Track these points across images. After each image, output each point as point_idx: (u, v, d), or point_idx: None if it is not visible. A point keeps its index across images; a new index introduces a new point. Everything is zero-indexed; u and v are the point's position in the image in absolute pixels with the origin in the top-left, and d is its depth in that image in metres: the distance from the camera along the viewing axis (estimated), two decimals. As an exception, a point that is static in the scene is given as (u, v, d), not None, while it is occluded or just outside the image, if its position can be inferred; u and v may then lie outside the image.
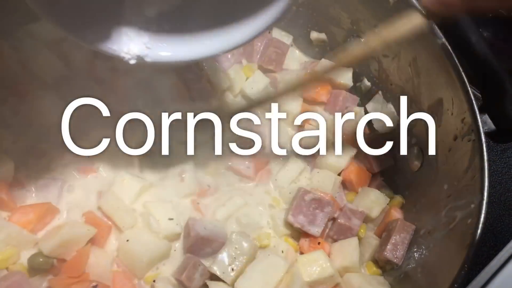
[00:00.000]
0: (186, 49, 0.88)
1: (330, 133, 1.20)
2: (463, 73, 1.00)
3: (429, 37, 1.04)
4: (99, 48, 0.83)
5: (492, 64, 1.08)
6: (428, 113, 1.08)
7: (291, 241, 1.07)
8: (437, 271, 0.94)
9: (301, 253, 1.07)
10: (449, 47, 1.02)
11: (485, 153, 0.93)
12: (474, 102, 0.98)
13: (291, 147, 1.18)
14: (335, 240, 1.09)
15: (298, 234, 1.08)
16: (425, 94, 1.10)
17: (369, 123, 1.24)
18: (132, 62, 0.85)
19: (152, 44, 0.86)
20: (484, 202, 0.89)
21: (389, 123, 1.21)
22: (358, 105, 1.26)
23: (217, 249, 0.99)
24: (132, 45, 0.85)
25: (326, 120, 1.20)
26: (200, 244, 0.98)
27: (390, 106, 1.23)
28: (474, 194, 0.92)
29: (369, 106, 1.26)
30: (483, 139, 0.94)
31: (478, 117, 0.97)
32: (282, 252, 1.03)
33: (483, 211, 0.88)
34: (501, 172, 1.49)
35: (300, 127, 1.21)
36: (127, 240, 0.97)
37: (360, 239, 1.09)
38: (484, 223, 0.87)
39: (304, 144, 1.19)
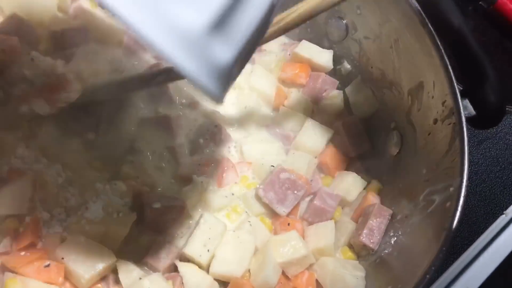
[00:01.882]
0: None
1: (307, 115, 1.18)
2: (445, 55, 0.98)
3: (413, 19, 1.02)
4: None
5: (474, 49, 1.07)
6: (408, 95, 1.07)
7: (266, 221, 1.04)
8: (414, 255, 0.92)
9: (275, 234, 1.04)
10: (432, 29, 1.00)
11: (465, 136, 0.91)
12: (455, 84, 0.96)
13: (268, 128, 1.16)
14: (310, 223, 1.06)
15: (272, 214, 1.06)
16: (406, 77, 1.08)
17: (348, 107, 1.22)
18: None
19: None
20: (464, 184, 0.87)
21: (367, 108, 1.20)
22: (338, 88, 1.23)
23: (178, 217, 0.95)
24: None
25: (303, 102, 1.18)
26: (159, 217, 0.94)
27: (369, 91, 1.20)
28: (453, 177, 0.90)
29: (348, 89, 1.23)
30: (464, 122, 0.92)
31: (459, 99, 0.95)
32: (250, 224, 1.01)
33: (463, 194, 0.86)
34: (478, 163, 1.50)
35: (276, 108, 1.19)
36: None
37: (335, 222, 1.06)
38: (463, 206, 0.85)
39: (281, 126, 1.17)
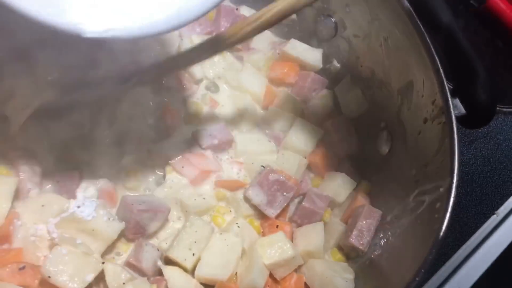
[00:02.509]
0: (139, 23, 0.76)
1: (297, 115, 1.16)
2: (435, 54, 0.97)
3: (402, 17, 1.01)
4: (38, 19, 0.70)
5: (464, 47, 1.06)
6: (398, 94, 1.05)
7: (255, 223, 1.02)
8: (403, 257, 0.91)
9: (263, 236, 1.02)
10: (421, 27, 0.99)
11: (455, 135, 0.90)
12: (445, 83, 0.94)
13: (258, 127, 1.15)
14: (299, 225, 1.05)
15: (261, 216, 1.04)
16: (395, 76, 1.06)
17: (337, 107, 1.21)
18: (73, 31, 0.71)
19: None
20: (454, 185, 0.85)
21: (356, 107, 1.18)
22: (327, 87, 1.21)
23: (162, 221, 0.94)
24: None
25: (292, 102, 1.17)
26: (141, 220, 0.93)
27: (359, 91, 1.19)
28: (443, 178, 0.88)
29: (337, 89, 1.21)
30: (454, 121, 0.91)
31: (449, 99, 0.93)
32: (238, 226, 0.99)
33: (453, 194, 0.84)
34: (468, 163, 1.49)
35: (265, 107, 1.17)
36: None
37: (324, 224, 1.04)
38: (453, 207, 0.83)
39: (271, 125, 1.15)
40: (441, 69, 0.96)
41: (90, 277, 0.85)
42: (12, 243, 0.88)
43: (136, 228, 0.93)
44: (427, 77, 0.97)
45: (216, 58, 1.17)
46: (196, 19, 0.78)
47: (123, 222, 0.92)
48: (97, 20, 0.72)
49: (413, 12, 1.00)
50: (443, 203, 0.85)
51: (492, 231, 1.39)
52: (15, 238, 0.89)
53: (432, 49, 0.97)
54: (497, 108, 1.53)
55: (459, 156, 0.88)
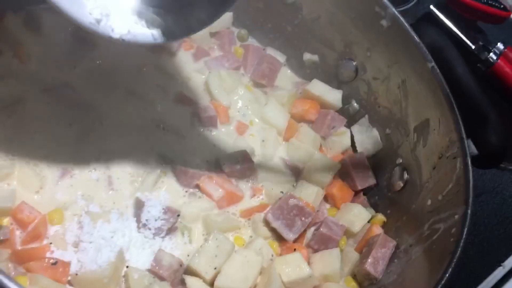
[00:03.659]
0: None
1: (316, 149, 1.22)
2: (450, 94, 1.04)
3: (420, 61, 1.09)
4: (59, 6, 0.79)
5: (476, 94, 1.14)
6: (414, 132, 1.12)
7: (274, 245, 1.05)
8: (417, 281, 0.93)
9: (280, 256, 1.05)
10: (438, 70, 1.07)
11: (469, 166, 0.96)
12: (460, 120, 1.01)
13: (279, 158, 1.20)
14: (316, 250, 1.07)
15: (278, 239, 1.07)
16: (412, 115, 1.13)
17: (353, 145, 1.27)
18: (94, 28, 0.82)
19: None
20: (469, 211, 0.90)
21: (372, 147, 1.24)
22: (345, 125, 1.28)
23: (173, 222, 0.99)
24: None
25: (312, 136, 1.23)
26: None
27: (375, 131, 1.25)
28: (458, 206, 0.93)
29: (354, 128, 1.28)
30: (468, 154, 0.97)
31: (464, 135, 1.00)
32: (259, 248, 1.02)
33: (468, 219, 0.88)
34: (476, 215, 1.48)
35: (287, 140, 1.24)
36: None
37: (340, 251, 1.07)
38: (468, 232, 0.88)
39: (291, 157, 1.20)
40: (456, 108, 1.03)
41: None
42: (43, 241, 0.92)
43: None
44: (443, 115, 1.04)
45: (242, 91, 1.25)
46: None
47: None
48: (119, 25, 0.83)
49: (430, 57, 1.09)
50: (458, 227, 0.89)
51: (498, 283, 1.40)
52: (46, 237, 0.93)
53: (448, 90, 1.05)
54: (503, 165, 1.60)
55: (473, 185, 0.93)
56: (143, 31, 0.86)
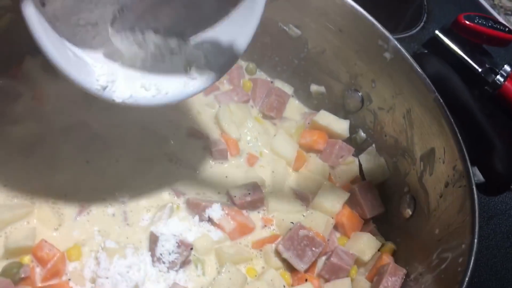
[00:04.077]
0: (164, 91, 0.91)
1: (325, 178, 1.25)
2: (454, 124, 1.07)
3: (424, 92, 1.12)
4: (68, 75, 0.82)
5: (481, 122, 1.16)
6: (420, 161, 1.14)
7: (286, 276, 1.07)
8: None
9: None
10: (441, 100, 1.10)
11: (475, 196, 0.98)
12: (465, 150, 1.03)
13: (288, 188, 1.23)
14: (327, 280, 1.09)
15: (290, 269, 1.09)
16: (418, 144, 1.16)
17: (361, 173, 1.29)
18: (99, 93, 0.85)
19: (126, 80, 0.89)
20: (475, 241, 0.91)
21: (379, 176, 1.27)
22: (353, 154, 1.31)
23: (186, 255, 1.02)
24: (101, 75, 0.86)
25: (321, 166, 1.26)
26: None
27: (382, 160, 1.28)
28: (465, 235, 0.95)
29: (362, 157, 1.31)
30: (474, 184, 0.99)
31: (469, 164, 1.02)
32: (271, 279, 1.04)
33: (474, 249, 0.90)
34: (488, 238, 1.52)
35: (296, 170, 1.27)
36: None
37: (351, 281, 1.09)
38: (475, 261, 0.89)
39: (300, 186, 1.23)
40: (460, 137, 1.05)
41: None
42: (62, 277, 0.96)
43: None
44: (447, 144, 1.07)
45: (252, 123, 1.29)
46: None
47: None
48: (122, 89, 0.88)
49: (434, 88, 1.12)
50: (465, 257, 0.90)
51: (513, 307, 1.40)
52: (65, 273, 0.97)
53: (452, 120, 1.07)
54: (514, 188, 1.60)
55: (479, 215, 0.94)
56: (146, 95, 0.90)
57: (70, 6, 0.85)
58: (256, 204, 1.17)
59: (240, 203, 1.15)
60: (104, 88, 0.85)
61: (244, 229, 1.13)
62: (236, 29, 0.91)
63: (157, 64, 0.92)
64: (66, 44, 0.85)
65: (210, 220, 1.11)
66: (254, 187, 1.17)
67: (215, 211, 1.10)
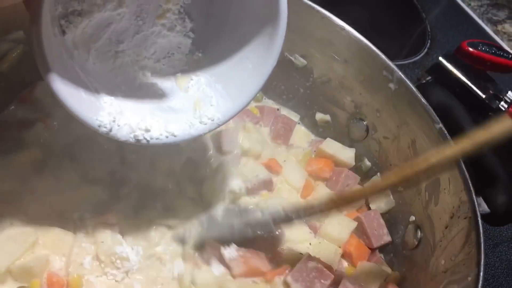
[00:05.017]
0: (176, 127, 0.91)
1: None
2: (459, 155, 1.08)
3: (427, 122, 1.14)
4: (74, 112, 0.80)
5: (485, 152, 1.17)
6: (426, 191, 1.15)
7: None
8: None
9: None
10: (445, 131, 1.11)
11: (480, 229, 0.98)
12: (469, 181, 1.04)
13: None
14: (334, 311, 1.09)
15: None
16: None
17: (367, 202, 1.30)
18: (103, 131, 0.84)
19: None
20: (481, 274, 0.92)
21: (384, 205, 1.27)
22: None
23: None
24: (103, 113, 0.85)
25: (328, 195, 1.26)
26: None
27: (387, 190, 1.28)
28: (470, 268, 0.95)
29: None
30: (479, 215, 0.99)
31: (474, 196, 1.03)
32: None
33: (480, 282, 0.90)
34: (494, 266, 1.52)
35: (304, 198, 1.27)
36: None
37: (357, 312, 1.09)
38: (483, 289, 0.90)
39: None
40: (464, 168, 1.06)
41: None
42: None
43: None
44: (452, 175, 1.07)
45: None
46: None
47: None
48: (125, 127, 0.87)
49: (438, 119, 1.13)
50: (471, 290, 0.91)
51: (519, 336, 1.39)
52: None
53: (456, 151, 1.08)
54: (520, 213, 1.60)
55: (484, 248, 0.95)
56: (153, 135, 0.89)
57: (89, 33, 0.86)
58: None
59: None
60: (111, 128, 0.84)
61: (254, 273, 1.10)
62: (252, 67, 0.92)
63: (169, 100, 0.93)
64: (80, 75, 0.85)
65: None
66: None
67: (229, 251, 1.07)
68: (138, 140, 0.87)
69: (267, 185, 1.23)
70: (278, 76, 1.39)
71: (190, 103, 0.94)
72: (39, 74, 0.76)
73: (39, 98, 1.21)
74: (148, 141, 0.87)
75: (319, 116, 1.39)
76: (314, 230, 1.21)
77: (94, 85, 0.88)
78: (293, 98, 1.41)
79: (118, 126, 0.85)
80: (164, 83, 0.94)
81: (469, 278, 0.94)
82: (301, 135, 1.40)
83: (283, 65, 1.36)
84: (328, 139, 1.35)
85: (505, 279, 1.50)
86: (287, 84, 1.40)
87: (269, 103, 1.43)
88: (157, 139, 0.88)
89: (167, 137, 0.89)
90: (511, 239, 1.58)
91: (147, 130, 0.87)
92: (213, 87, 0.95)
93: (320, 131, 1.40)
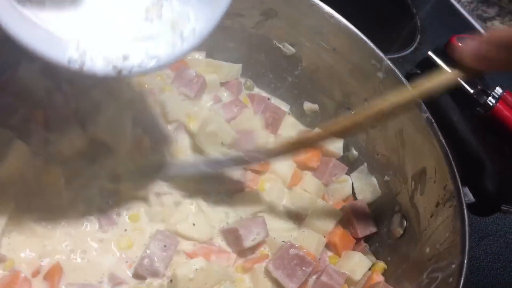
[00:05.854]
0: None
1: (318, 196, 1.25)
2: (445, 144, 1.08)
3: (415, 111, 1.13)
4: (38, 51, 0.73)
5: (471, 142, 1.17)
6: (412, 180, 1.15)
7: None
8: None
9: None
10: (433, 121, 1.11)
11: (465, 217, 0.98)
12: (455, 170, 1.04)
13: (282, 206, 1.22)
14: (317, 300, 1.09)
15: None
16: (409, 164, 1.16)
17: (353, 192, 1.30)
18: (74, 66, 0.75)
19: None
20: (465, 261, 0.92)
21: (370, 195, 1.27)
22: (347, 173, 1.31)
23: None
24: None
25: (315, 185, 1.26)
26: None
27: (373, 179, 1.28)
28: (455, 256, 0.95)
29: (353, 175, 1.31)
30: (464, 204, 0.99)
31: (460, 184, 1.03)
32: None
33: (464, 270, 0.90)
34: (479, 259, 1.52)
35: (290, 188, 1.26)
36: None
37: (342, 300, 1.09)
38: (464, 282, 0.89)
39: (294, 204, 1.23)
40: (451, 158, 1.06)
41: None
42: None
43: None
44: (438, 164, 1.07)
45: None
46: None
47: None
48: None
49: (425, 108, 1.13)
50: (455, 277, 0.91)
51: (504, 328, 1.39)
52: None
53: (443, 141, 1.08)
54: (506, 208, 1.61)
55: (470, 235, 0.95)
56: (134, 63, 0.81)
57: None
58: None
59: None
60: (83, 62, 0.75)
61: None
62: None
63: (145, 27, 0.85)
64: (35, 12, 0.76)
65: None
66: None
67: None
68: (119, 72, 0.78)
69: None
70: (266, 65, 1.38)
71: (167, 26, 0.85)
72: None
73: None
74: (130, 71, 0.79)
75: (307, 105, 1.38)
76: (299, 220, 1.20)
77: (55, 26, 0.78)
78: (281, 87, 1.40)
79: (91, 59, 0.76)
80: (135, 14, 0.85)
81: (453, 266, 0.94)
82: (291, 125, 1.38)
83: (272, 53, 1.35)
84: (316, 128, 1.34)
85: (489, 272, 1.50)
86: (275, 73, 1.39)
87: (261, 92, 1.42)
88: (139, 66, 0.80)
89: (151, 62, 0.81)
90: (496, 232, 1.59)
91: (125, 58, 0.78)
92: (187, 2, 0.86)
93: (308, 120, 1.39)
